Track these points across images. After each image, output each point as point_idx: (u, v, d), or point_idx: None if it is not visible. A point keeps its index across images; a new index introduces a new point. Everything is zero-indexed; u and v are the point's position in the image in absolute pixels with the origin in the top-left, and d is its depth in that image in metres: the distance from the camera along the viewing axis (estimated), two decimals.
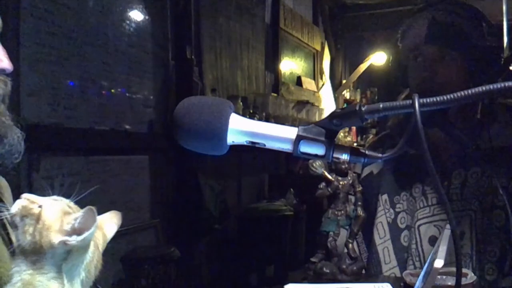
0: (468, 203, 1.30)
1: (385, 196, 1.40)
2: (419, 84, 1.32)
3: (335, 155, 0.65)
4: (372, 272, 1.37)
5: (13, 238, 0.84)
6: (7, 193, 0.89)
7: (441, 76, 1.29)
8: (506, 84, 0.56)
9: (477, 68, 1.30)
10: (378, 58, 5.79)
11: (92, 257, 0.68)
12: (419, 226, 1.34)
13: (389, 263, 1.35)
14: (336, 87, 6.27)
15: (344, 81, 6.38)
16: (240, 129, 0.67)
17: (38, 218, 0.65)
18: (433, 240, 1.30)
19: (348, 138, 5.88)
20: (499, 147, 1.31)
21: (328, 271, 1.19)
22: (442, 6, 1.35)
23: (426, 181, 1.35)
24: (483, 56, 1.30)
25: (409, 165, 1.34)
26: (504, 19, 3.96)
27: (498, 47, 1.32)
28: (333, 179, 1.22)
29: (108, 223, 0.73)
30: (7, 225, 0.84)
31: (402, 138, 0.63)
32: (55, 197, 0.70)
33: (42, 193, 0.71)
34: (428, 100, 0.59)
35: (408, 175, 1.38)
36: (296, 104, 4.99)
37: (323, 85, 6.01)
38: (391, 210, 1.38)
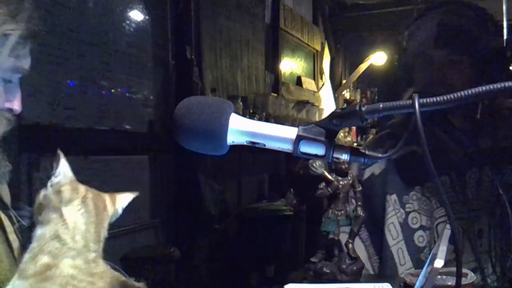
0: (485, 201, 1.31)
1: (394, 196, 1.38)
2: (427, 87, 1.32)
3: (335, 155, 0.65)
4: (387, 274, 1.35)
5: (11, 237, 0.85)
6: (6, 196, 0.89)
7: (450, 79, 1.29)
8: (506, 84, 0.56)
9: (484, 70, 1.30)
10: (378, 58, 5.79)
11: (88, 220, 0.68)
12: (437, 225, 1.33)
13: (404, 264, 1.34)
14: (336, 87, 6.27)
15: (344, 81, 6.38)
16: (240, 129, 0.67)
17: None
18: (451, 238, 1.30)
19: (348, 138, 5.87)
20: (507, 147, 1.32)
21: (328, 271, 1.19)
22: (449, 7, 1.35)
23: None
24: (490, 58, 1.30)
25: (418, 164, 1.34)
26: (504, 19, 3.95)
27: (504, 48, 1.32)
28: (333, 179, 1.21)
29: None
30: (6, 226, 0.85)
31: (402, 139, 0.63)
32: None
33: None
34: (428, 100, 0.59)
35: (417, 175, 1.36)
36: (296, 104, 4.99)
37: (323, 85, 6.01)
38: (402, 210, 1.37)
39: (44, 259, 0.64)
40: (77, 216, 0.67)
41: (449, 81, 1.29)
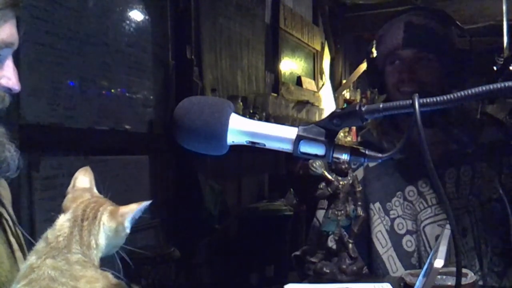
0: (465, 200, 1.32)
1: (377, 204, 1.39)
2: (397, 85, 1.34)
3: (335, 155, 0.65)
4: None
5: (12, 240, 0.85)
6: (6, 197, 0.89)
7: (419, 76, 1.32)
8: (506, 84, 0.56)
9: (451, 69, 1.33)
10: None
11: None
12: (424, 227, 1.34)
13: (396, 272, 1.34)
14: (336, 87, 6.27)
15: (344, 81, 6.38)
16: (240, 129, 0.67)
17: None
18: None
19: (348, 138, 5.88)
20: (485, 144, 1.34)
21: (328, 271, 1.19)
22: (415, 12, 1.39)
23: (420, 182, 1.35)
24: (455, 58, 1.34)
25: (397, 170, 1.36)
26: (504, 19, 3.96)
27: (469, 51, 1.35)
28: (333, 179, 1.21)
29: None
30: (6, 227, 0.85)
31: (403, 138, 0.63)
32: None
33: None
34: (428, 100, 0.59)
35: (397, 181, 1.38)
36: (296, 104, 4.99)
37: (323, 85, 6.01)
38: (387, 218, 1.37)
39: (32, 259, 0.67)
40: (64, 220, 0.70)
41: (418, 79, 1.32)
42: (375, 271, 1.36)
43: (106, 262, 0.72)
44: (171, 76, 3.19)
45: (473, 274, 1.05)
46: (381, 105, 0.62)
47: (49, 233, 0.69)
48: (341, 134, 5.40)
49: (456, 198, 1.33)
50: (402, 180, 1.37)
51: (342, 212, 1.21)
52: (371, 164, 1.41)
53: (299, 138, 0.65)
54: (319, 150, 0.65)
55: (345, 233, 1.20)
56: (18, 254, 0.85)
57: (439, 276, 0.95)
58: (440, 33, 1.33)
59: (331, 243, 1.21)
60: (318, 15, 5.94)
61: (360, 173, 1.41)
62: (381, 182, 1.40)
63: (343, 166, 1.21)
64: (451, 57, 1.33)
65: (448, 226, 0.78)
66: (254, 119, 0.71)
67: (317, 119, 4.78)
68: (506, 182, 1.30)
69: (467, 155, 1.33)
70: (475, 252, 1.29)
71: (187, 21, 3.27)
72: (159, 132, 3.06)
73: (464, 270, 1.06)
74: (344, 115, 0.64)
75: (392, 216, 1.37)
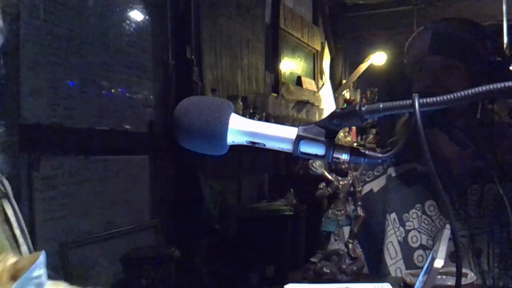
0: (486, 219, 1.28)
1: (393, 215, 1.36)
2: (422, 92, 1.31)
3: (335, 155, 0.65)
4: None
5: (17, 233, 0.85)
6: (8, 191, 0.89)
7: (445, 83, 1.29)
8: (506, 84, 0.56)
9: (481, 78, 1.30)
10: (378, 58, 5.80)
11: None
12: None
13: None
14: (336, 87, 6.27)
15: (344, 81, 6.38)
16: (240, 129, 0.67)
17: None
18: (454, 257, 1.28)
19: (348, 138, 5.88)
20: (509, 163, 1.30)
21: (328, 271, 1.19)
22: (444, 21, 1.37)
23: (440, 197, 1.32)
24: (487, 69, 1.31)
25: (418, 182, 1.34)
26: (504, 19, 3.96)
27: (501, 62, 1.32)
28: (333, 179, 1.21)
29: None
30: (12, 222, 0.85)
31: (403, 139, 0.63)
32: None
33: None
34: (428, 100, 0.60)
35: (418, 193, 1.35)
36: (296, 104, 4.99)
37: (323, 85, 6.01)
38: (401, 229, 1.34)
39: None
40: None
41: (444, 86, 1.28)
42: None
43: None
44: (171, 76, 3.19)
45: (473, 274, 1.05)
46: (381, 105, 0.62)
47: None
48: (341, 134, 5.40)
49: (477, 217, 1.29)
50: (423, 193, 1.34)
51: (342, 212, 1.21)
52: (394, 174, 1.39)
53: (299, 138, 0.65)
54: (319, 150, 0.65)
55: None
56: (24, 248, 0.85)
57: (439, 276, 0.95)
58: (468, 42, 1.31)
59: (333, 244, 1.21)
60: (318, 15, 5.94)
61: (381, 182, 1.40)
62: (400, 192, 1.37)
63: (343, 166, 1.21)
64: (482, 68, 1.30)
65: (448, 226, 0.78)
66: (254, 119, 0.71)
67: (317, 119, 4.78)
68: None
69: (493, 173, 1.28)
70: (487, 274, 1.26)
71: (187, 21, 3.27)
72: (159, 132, 3.06)
73: (464, 270, 1.06)
74: (344, 115, 0.64)
75: (407, 228, 1.34)
